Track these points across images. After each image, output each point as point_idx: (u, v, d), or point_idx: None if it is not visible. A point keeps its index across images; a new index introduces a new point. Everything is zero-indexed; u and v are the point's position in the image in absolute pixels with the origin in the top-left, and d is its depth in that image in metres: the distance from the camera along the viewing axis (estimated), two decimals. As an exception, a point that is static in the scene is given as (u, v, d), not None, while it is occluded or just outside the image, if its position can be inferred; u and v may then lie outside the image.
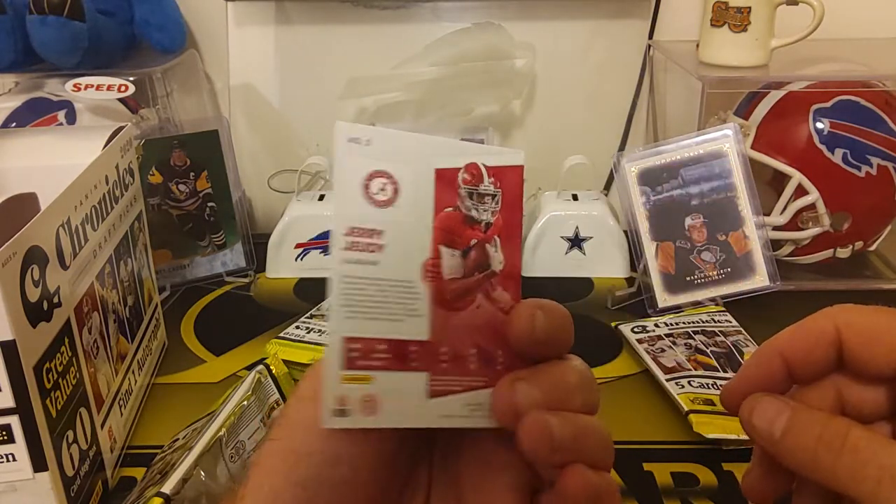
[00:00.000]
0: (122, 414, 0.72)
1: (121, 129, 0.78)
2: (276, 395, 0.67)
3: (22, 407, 0.52)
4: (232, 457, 0.58)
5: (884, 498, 0.29)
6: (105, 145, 0.74)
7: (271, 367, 0.67)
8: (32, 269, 0.53)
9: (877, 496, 0.29)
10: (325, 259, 1.07)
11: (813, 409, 0.32)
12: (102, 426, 0.66)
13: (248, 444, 0.60)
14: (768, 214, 0.98)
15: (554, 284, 1.04)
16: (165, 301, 0.98)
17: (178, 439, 0.64)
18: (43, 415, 0.54)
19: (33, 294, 0.53)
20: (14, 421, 0.52)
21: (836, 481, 0.30)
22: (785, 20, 0.98)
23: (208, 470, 0.55)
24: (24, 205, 0.63)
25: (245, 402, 0.62)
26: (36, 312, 0.54)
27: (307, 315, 0.79)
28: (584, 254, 1.04)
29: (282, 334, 0.74)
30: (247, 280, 1.08)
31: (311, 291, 1.04)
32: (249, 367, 0.81)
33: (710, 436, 0.70)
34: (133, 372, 0.76)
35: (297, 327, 0.75)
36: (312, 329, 0.75)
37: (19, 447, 0.53)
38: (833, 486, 0.30)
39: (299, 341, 0.72)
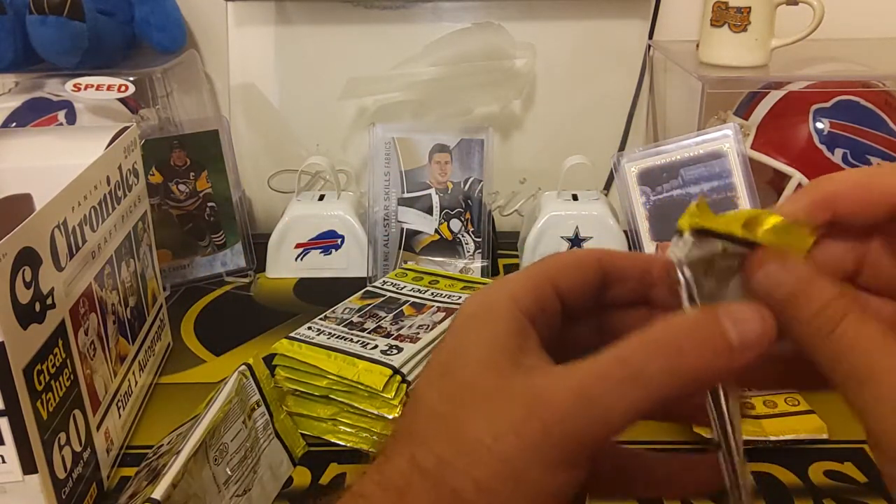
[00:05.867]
0: (120, 415, 0.72)
1: (124, 129, 0.78)
2: (257, 397, 0.67)
3: (11, 409, 0.52)
4: (216, 459, 0.58)
5: (850, 392, 0.28)
6: (108, 146, 0.74)
7: (253, 368, 0.67)
8: (24, 270, 0.53)
9: (844, 388, 0.29)
10: (325, 259, 1.07)
11: (823, 279, 0.30)
12: (98, 428, 0.66)
13: (230, 447, 0.61)
14: (768, 215, 0.98)
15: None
16: (165, 301, 0.98)
17: (163, 445, 0.64)
18: (33, 417, 0.54)
19: (24, 296, 0.53)
20: (3, 423, 0.52)
21: (816, 359, 0.29)
22: (785, 20, 0.97)
23: (195, 474, 0.55)
24: (18, 206, 0.63)
25: (229, 405, 0.62)
26: (27, 314, 0.54)
27: (321, 317, 0.79)
28: (584, 254, 1.04)
29: (293, 334, 0.75)
30: (247, 280, 1.08)
31: (311, 291, 1.05)
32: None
33: (711, 436, 0.69)
34: (134, 373, 0.76)
35: (309, 328, 0.76)
36: (323, 331, 0.75)
37: (8, 449, 0.53)
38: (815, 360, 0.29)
39: (311, 343, 0.72)
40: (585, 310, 0.35)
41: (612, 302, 0.35)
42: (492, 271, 1.04)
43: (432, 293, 0.85)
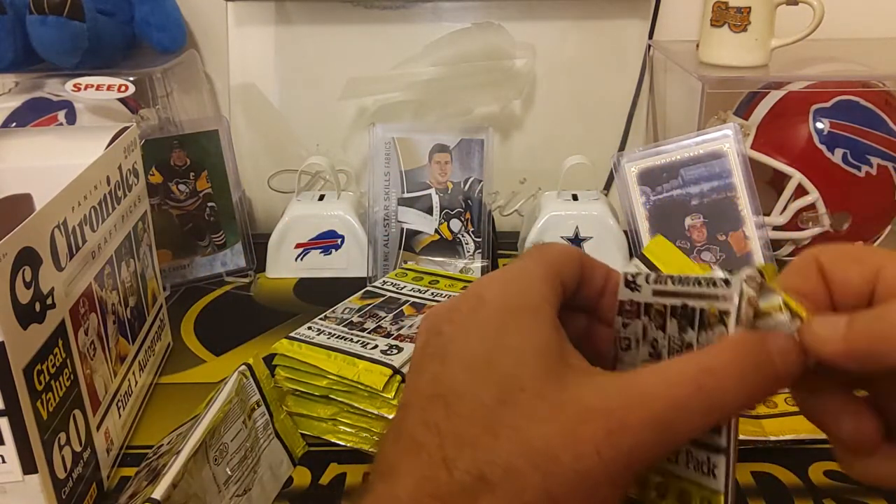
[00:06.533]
0: (120, 415, 0.72)
1: (124, 129, 0.78)
2: (257, 397, 0.67)
3: (11, 409, 0.52)
4: (216, 459, 0.58)
5: None
6: (108, 146, 0.74)
7: (253, 368, 0.67)
8: (24, 270, 0.53)
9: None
10: (325, 259, 1.07)
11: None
12: (98, 428, 0.66)
13: (230, 447, 0.61)
14: (768, 214, 0.98)
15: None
16: (165, 301, 0.98)
17: (163, 445, 0.64)
18: (33, 417, 0.54)
19: (24, 296, 0.53)
20: (3, 423, 0.52)
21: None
22: (785, 20, 0.97)
23: (195, 473, 0.55)
24: (18, 206, 0.63)
25: (229, 405, 0.62)
26: (27, 314, 0.54)
27: (321, 317, 0.79)
28: (584, 254, 1.04)
29: (293, 334, 0.75)
30: (247, 280, 1.08)
31: (311, 291, 1.05)
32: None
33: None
34: (134, 373, 0.76)
35: (309, 328, 0.76)
36: (323, 331, 0.75)
37: (8, 449, 0.53)
38: None
39: (311, 343, 0.72)
40: (569, 303, 0.36)
41: (583, 301, 0.37)
42: (492, 271, 1.04)
43: (432, 293, 0.85)
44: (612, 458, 0.29)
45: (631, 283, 0.37)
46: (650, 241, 0.41)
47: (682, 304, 0.34)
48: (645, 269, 0.38)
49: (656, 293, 0.36)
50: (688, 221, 0.93)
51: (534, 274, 0.34)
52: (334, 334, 0.74)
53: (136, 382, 0.77)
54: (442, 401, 0.31)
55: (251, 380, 0.66)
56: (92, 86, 0.97)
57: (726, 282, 0.32)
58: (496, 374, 0.31)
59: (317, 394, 0.70)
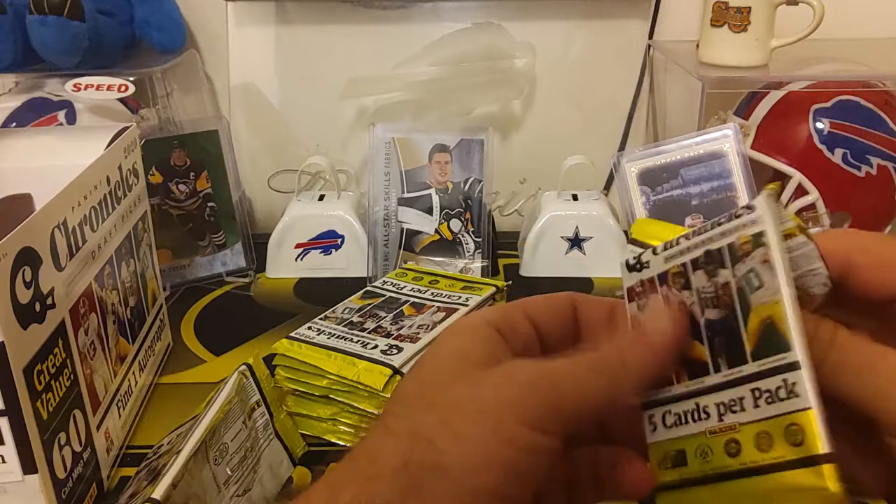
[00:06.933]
0: (120, 415, 0.72)
1: (124, 129, 0.78)
2: (257, 397, 0.67)
3: (11, 409, 0.52)
4: (216, 459, 0.58)
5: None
6: (108, 146, 0.74)
7: (253, 368, 0.67)
8: (24, 270, 0.53)
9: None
10: (325, 259, 1.07)
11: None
12: (98, 428, 0.66)
13: (230, 447, 0.61)
14: (768, 215, 0.98)
15: (554, 284, 1.03)
16: (165, 301, 0.98)
17: (163, 445, 0.64)
18: (33, 417, 0.54)
19: (24, 296, 0.53)
20: (3, 423, 0.52)
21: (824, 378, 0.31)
22: (785, 20, 0.97)
23: (195, 473, 0.55)
24: (18, 206, 0.63)
25: (229, 405, 0.62)
26: (27, 314, 0.54)
27: (321, 317, 0.79)
28: (585, 254, 1.04)
29: (293, 334, 0.75)
30: (247, 280, 1.08)
31: (311, 291, 1.05)
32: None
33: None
34: (134, 373, 0.76)
35: (309, 328, 0.76)
36: (323, 331, 0.75)
37: (8, 449, 0.53)
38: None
39: (311, 343, 0.72)
40: (566, 342, 0.38)
41: (587, 340, 0.38)
42: (492, 271, 1.04)
43: (432, 293, 0.85)
44: (510, 395, 0.32)
45: (636, 265, 0.37)
46: (634, 226, 0.40)
47: (703, 252, 0.34)
48: (638, 248, 0.38)
49: (669, 259, 0.36)
50: (688, 221, 0.93)
51: (486, 308, 0.37)
52: (334, 334, 0.74)
53: (136, 382, 0.77)
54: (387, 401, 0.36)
55: (251, 380, 0.66)
56: (92, 86, 0.97)
57: (748, 208, 0.33)
58: (421, 372, 0.35)
59: (317, 394, 0.70)
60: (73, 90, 0.97)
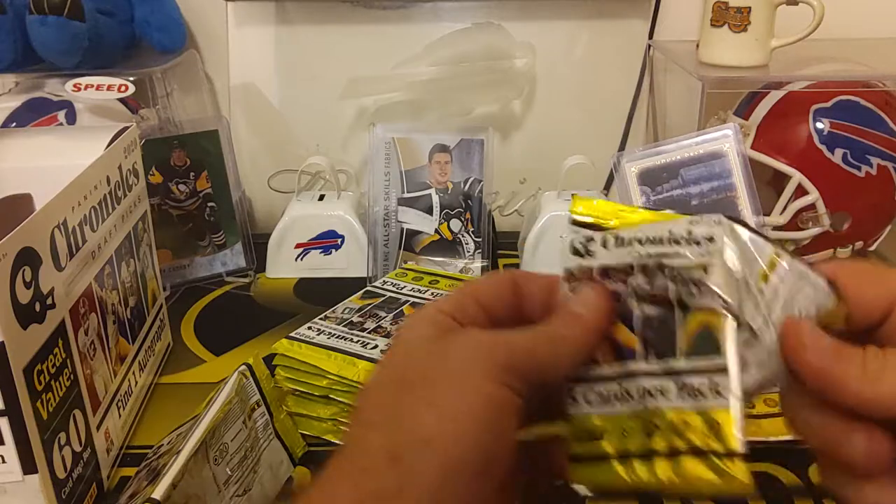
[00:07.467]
0: (120, 415, 0.72)
1: (124, 129, 0.78)
2: (257, 397, 0.67)
3: (11, 409, 0.52)
4: (216, 459, 0.58)
5: None
6: (108, 146, 0.74)
7: (253, 368, 0.67)
8: (24, 270, 0.53)
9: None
10: (325, 259, 1.07)
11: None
12: (98, 428, 0.66)
13: (230, 447, 0.61)
14: (768, 214, 0.98)
15: (553, 285, 1.03)
16: (165, 301, 0.98)
17: (163, 445, 0.64)
18: (33, 417, 0.54)
19: (24, 296, 0.53)
20: (3, 423, 0.52)
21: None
22: (785, 20, 0.97)
23: (195, 473, 0.55)
24: (18, 206, 0.63)
25: (229, 405, 0.62)
26: (27, 314, 0.54)
27: (321, 317, 0.79)
28: (584, 254, 1.04)
29: (293, 334, 0.75)
30: (247, 280, 1.08)
31: (311, 291, 1.05)
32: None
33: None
34: (134, 373, 0.76)
35: (309, 328, 0.76)
36: (323, 331, 0.75)
37: (8, 449, 0.53)
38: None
39: (311, 343, 0.72)
40: (512, 320, 0.39)
41: (530, 315, 0.40)
42: (492, 271, 1.04)
43: (432, 293, 0.85)
44: (472, 349, 0.35)
45: (582, 251, 0.38)
46: (573, 205, 0.40)
47: (654, 263, 0.35)
48: (588, 233, 0.38)
49: (617, 256, 0.37)
50: (688, 221, 0.93)
51: (438, 300, 0.40)
52: (334, 334, 0.74)
53: (136, 382, 0.77)
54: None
55: (251, 380, 0.66)
56: (92, 86, 0.97)
57: (710, 239, 0.34)
58: (387, 364, 0.38)
59: (317, 394, 0.70)
60: (73, 90, 0.97)
